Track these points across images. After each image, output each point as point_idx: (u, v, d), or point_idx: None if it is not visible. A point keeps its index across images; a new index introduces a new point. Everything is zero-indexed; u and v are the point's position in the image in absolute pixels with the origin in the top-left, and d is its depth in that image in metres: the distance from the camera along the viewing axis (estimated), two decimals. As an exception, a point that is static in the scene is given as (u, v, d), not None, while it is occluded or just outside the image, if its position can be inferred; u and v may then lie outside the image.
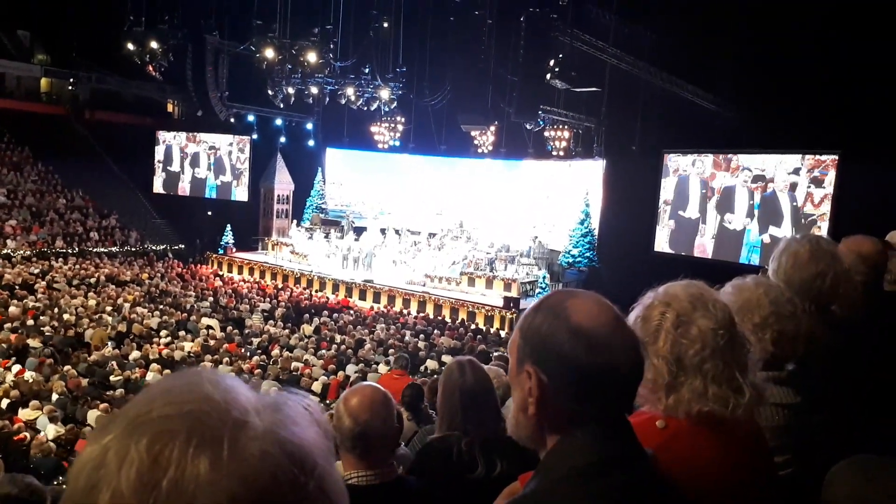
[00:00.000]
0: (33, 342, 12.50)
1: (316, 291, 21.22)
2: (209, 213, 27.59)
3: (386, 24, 19.88)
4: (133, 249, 25.05)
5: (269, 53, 17.91)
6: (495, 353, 9.90)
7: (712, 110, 17.89)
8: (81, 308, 15.74)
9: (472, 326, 17.59)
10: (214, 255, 25.15)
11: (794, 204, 16.76)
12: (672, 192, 19.08)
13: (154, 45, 19.13)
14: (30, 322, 13.94)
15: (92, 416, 9.06)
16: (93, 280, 19.43)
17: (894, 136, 13.85)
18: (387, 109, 21.25)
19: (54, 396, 9.72)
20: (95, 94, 30.22)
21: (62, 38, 28.42)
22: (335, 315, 17.48)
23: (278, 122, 26.70)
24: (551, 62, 15.85)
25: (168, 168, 29.08)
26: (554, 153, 21.39)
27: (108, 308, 16.04)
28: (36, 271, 19.50)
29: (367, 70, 19.95)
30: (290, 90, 20.07)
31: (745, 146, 17.76)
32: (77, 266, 20.92)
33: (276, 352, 13.41)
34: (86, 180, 27.14)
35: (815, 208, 16.43)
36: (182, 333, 14.50)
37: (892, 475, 1.42)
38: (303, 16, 18.43)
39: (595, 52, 16.48)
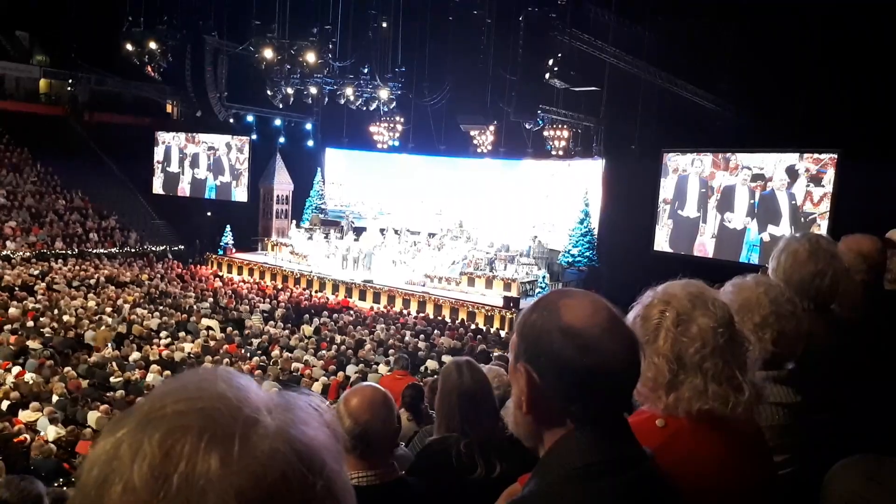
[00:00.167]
0: (33, 344, 12.50)
1: (316, 292, 21.23)
2: (209, 213, 27.59)
3: (385, 24, 19.89)
4: (133, 250, 25.04)
5: (268, 54, 17.92)
6: (495, 354, 9.91)
7: (711, 109, 17.89)
8: (81, 309, 15.74)
9: (472, 326, 17.59)
10: (214, 256, 25.16)
11: (794, 203, 16.77)
12: (672, 191, 19.08)
13: (153, 45, 19.15)
14: (30, 323, 13.94)
15: (92, 417, 9.06)
16: (92, 281, 19.43)
17: (893, 134, 13.86)
18: (386, 109, 21.25)
19: (54, 398, 9.72)
20: (94, 95, 30.23)
21: (61, 38, 28.43)
22: (335, 315, 17.48)
23: (277, 122, 26.69)
24: (550, 62, 15.85)
25: (167, 169, 29.08)
26: (553, 153, 21.39)
27: (108, 309, 16.03)
28: (36, 272, 19.49)
29: (366, 70, 19.96)
30: (289, 90, 20.06)
31: (745, 145, 17.76)
32: (77, 267, 20.91)
33: (276, 352, 13.40)
34: (85, 181, 27.13)
35: (815, 207, 16.43)
36: (182, 334, 14.51)
37: (891, 474, 1.42)
38: (301, 16, 18.43)
39: (594, 51, 16.48)
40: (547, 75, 15.92)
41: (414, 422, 4.50)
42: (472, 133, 21.61)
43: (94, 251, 23.82)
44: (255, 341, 14.50)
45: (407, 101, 21.73)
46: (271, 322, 16.64)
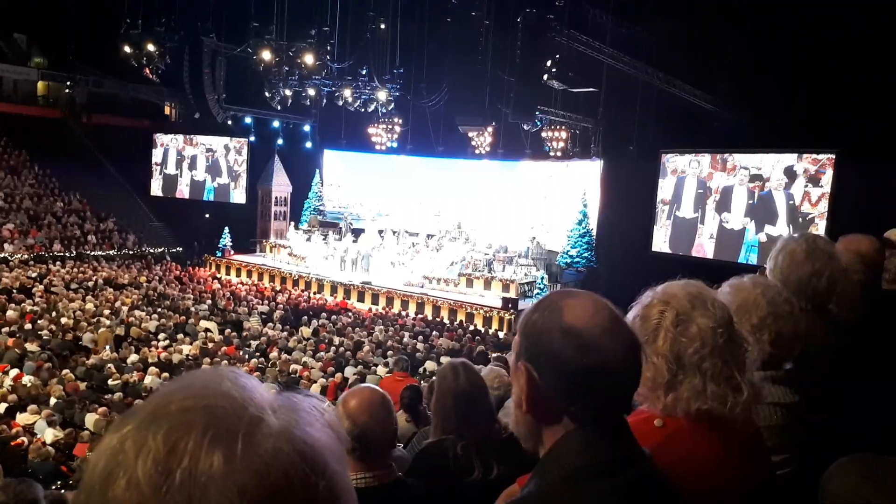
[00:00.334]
0: (31, 346, 12.47)
1: (314, 293, 21.22)
2: (207, 215, 27.57)
3: (383, 26, 19.91)
4: (131, 252, 25.01)
5: (266, 55, 17.93)
6: (493, 355, 9.91)
7: (709, 110, 17.92)
8: (79, 312, 15.71)
9: (471, 327, 17.59)
10: (212, 258, 25.13)
11: (792, 203, 16.79)
12: (670, 192, 19.11)
13: (151, 47, 19.16)
14: (28, 326, 13.92)
15: (90, 420, 9.04)
16: (91, 283, 19.40)
17: (891, 134, 13.89)
18: (384, 111, 21.26)
19: (52, 400, 9.70)
20: (92, 97, 30.18)
21: (59, 41, 28.39)
22: (333, 317, 17.48)
23: (276, 124, 26.70)
24: (548, 63, 15.88)
25: (165, 171, 29.06)
26: (551, 154, 21.40)
27: (107, 311, 16.01)
28: (34, 275, 19.46)
29: (364, 71, 19.97)
30: (288, 92, 20.08)
31: (743, 146, 17.79)
32: (75, 269, 20.88)
33: (274, 354, 13.39)
34: (83, 183, 27.10)
35: (813, 207, 16.46)
36: (180, 336, 14.49)
37: (889, 474, 1.42)
38: (299, 18, 18.45)
39: (592, 52, 16.51)
40: (545, 76, 15.95)
41: (412, 423, 4.50)
42: (470, 134, 21.63)
43: (93, 253, 23.79)
44: (254, 343, 14.49)
45: (405, 102, 21.76)
46: (270, 324, 16.63)
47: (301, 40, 18.05)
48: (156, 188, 29.12)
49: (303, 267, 22.97)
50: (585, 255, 20.80)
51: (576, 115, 20.23)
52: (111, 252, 24.49)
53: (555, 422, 1.13)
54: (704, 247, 18.45)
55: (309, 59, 17.95)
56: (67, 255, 22.94)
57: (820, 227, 15.85)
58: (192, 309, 17.18)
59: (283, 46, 17.94)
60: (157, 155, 29.04)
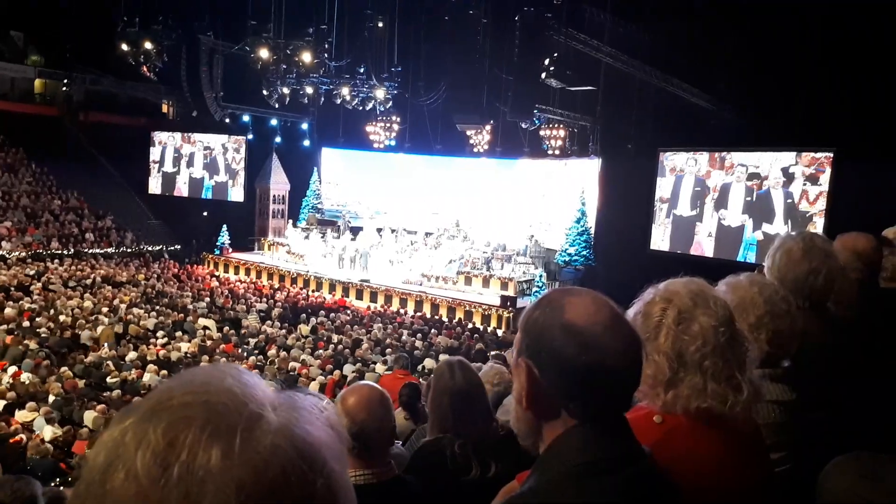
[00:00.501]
0: (30, 343, 12.46)
1: (312, 291, 21.21)
2: (205, 213, 27.54)
3: (381, 24, 19.87)
4: (129, 250, 24.98)
5: (264, 53, 17.89)
6: (492, 353, 9.91)
7: (707, 108, 17.94)
8: (78, 309, 15.70)
9: (470, 325, 17.60)
10: (210, 256, 25.10)
11: (789, 201, 16.82)
12: (668, 190, 19.13)
13: (148, 45, 19.10)
14: (26, 324, 13.90)
15: (89, 417, 9.04)
16: (89, 281, 19.37)
17: (890, 133, 13.90)
18: (382, 109, 21.23)
19: (51, 398, 9.70)
20: (90, 95, 30.11)
21: (56, 39, 28.32)
22: (332, 315, 17.47)
23: (273, 122, 26.66)
24: (546, 61, 15.87)
25: (164, 169, 29.02)
26: (550, 152, 21.40)
27: (105, 309, 15.99)
28: (31, 273, 19.43)
29: (362, 70, 19.93)
30: (286, 90, 20.04)
31: (741, 144, 17.81)
32: (73, 267, 20.85)
33: (272, 352, 13.39)
34: (81, 181, 27.07)
35: (811, 205, 16.49)
36: (179, 334, 14.48)
37: (886, 472, 1.43)
38: (297, 16, 18.41)
39: (590, 51, 16.50)
40: (543, 75, 15.94)
41: (411, 420, 4.50)
42: (468, 133, 21.63)
43: (91, 251, 23.76)
44: (252, 341, 14.48)
45: (403, 100, 21.74)
46: (268, 322, 16.62)
47: (299, 38, 18.02)
48: (154, 186, 29.09)
49: (301, 265, 22.96)
50: (584, 253, 20.82)
51: (574, 114, 20.23)
52: (109, 250, 24.46)
53: (555, 418, 1.14)
54: (703, 245, 18.47)
55: (307, 57, 17.92)
56: (65, 252, 22.91)
57: (818, 226, 15.88)
58: (191, 307, 17.16)
59: (280, 44, 17.91)
60: (154, 153, 29.01)
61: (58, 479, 6.88)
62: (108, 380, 11.06)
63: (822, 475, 1.51)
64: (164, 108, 32.36)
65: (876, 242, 2.90)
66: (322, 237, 24.13)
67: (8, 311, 14.69)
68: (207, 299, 18.41)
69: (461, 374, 2.60)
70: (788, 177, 16.86)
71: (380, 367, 12.02)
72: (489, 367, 4.37)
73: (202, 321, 15.91)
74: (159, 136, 29.12)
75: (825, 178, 16.23)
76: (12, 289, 17.30)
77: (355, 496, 0.65)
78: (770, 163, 17.22)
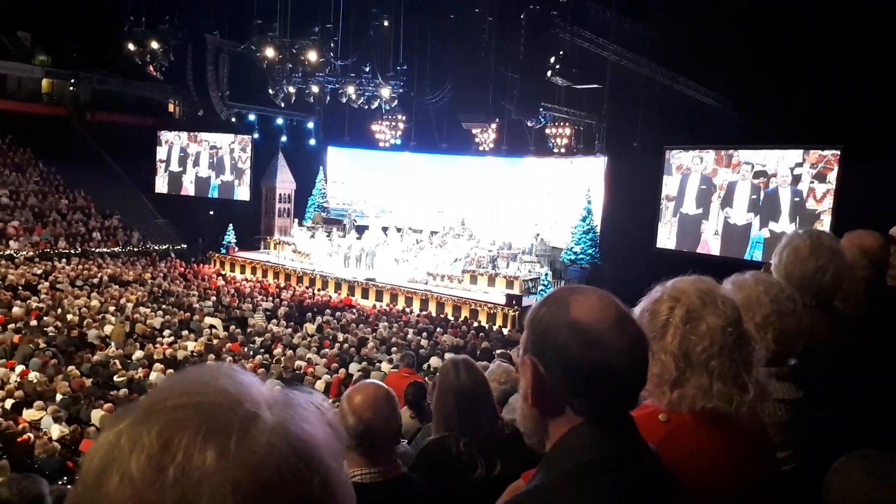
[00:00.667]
0: (39, 342, 12.53)
1: (318, 290, 21.25)
2: (211, 212, 27.63)
3: (386, 23, 19.89)
4: (135, 249, 25.09)
5: (270, 52, 17.93)
6: (497, 352, 9.91)
7: (714, 106, 17.87)
8: (85, 308, 15.77)
9: (475, 324, 17.60)
10: (217, 255, 25.19)
11: (796, 199, 16.75)
12: (675, 188, 19.08)
13: (155, 45, 19.18)
14: (33, 322, 13.98)
15: (96, 416, 9.09)
16: (96, 280, 19.47)
17: (896, 131, 13.83)
18: (388, 108, 21.25)
19: (58, 397, 9.75)
20: (97, 95, 30.25)
21: (63, 38, 28.44)
22: (338, 314, 17.50)
23: (279, 121, 26.71)
24: (552, 59, 15.85)
25: (170, 168, 29.12)
26: (555, 150, 21.37)
27: (112, 308, 16.07)
28: (39, 272, 19.54)
29: (367, 68, 19.95)
30: (291, 89, 20.08)
31: (747, 142, 17.73)
32: (80, 266, 20.95)
33: (278, 351, 13.42)
34: (87, 181, 27.18)
35: (818, 203, 16.41)
36: (185, 333, 14.53)
37: (893, 470, 1.42)
38: (303, 15, 18.44)
39: (596, 48, 16.46)
40: (548, 73, 15.93)
41: (416, 419, 4.51)
42: (473, 131, 21.62)
43: (97, 250, 23.86)
44: (258, 340, 14.52)
45: (409, 99, 21.74)
46: (274, 320, 16.67)
47: (304, 37, 18.05)
48: (161, 185, 29.19)
49: (307, 264, 23.00)
50: (589, 251, 20.79)
51: (579, 112, 20.20)
52: (116, 249, 24.57)
53: (560, 416, 1.14)
54: (709, 243, 18.41)
55: (312, 56, 17.95)
56: (72, 252, 23.01)
57: (825, 224, 15.80)
58: (197, 306, 17.23)
59: (286, 43, 17.94)
60: (161, 152, 29.10)
61: (65, 478, 6.91)
62: (115, 378, 11.11)
63: (829, 474, 1.50)
64: (171, 108, 32.47)
65: (883, 240, 2.88)
66: (328, 236, 24.17)
67: (16, 309, 14.78)
68: (214, 298, 18.47)
69: (466, 373, 2.60)
70: (795, 175, 16.78)
71: (385, 366, 12.04)
72: (496, 365, 4.38)
73: (209, 320, 15.97)
74: (166, 136, 29.22)
75: (832, 177, 16.14)
76: (20, 288, 17.40)
77: (354, 493, 0.65)
78: (777, 161, 17.15)
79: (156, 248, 25.82)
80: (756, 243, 17.40)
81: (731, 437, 1.39)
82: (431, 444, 2.58)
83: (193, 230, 26.79)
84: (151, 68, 19.98)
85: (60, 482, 6.44)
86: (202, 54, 21.43)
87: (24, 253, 21.73)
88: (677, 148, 19.03)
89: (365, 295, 20.80)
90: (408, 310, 19.21)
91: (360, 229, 24.32)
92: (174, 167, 29.04)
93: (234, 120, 24.17)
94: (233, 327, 15.46)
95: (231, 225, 25.62)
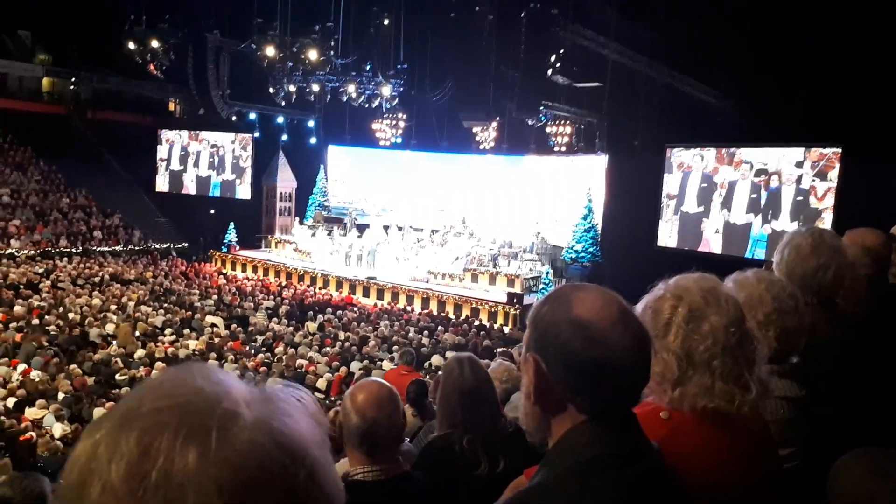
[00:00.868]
0: (42, 340, 12.55)
1: (319, 289, 21.25)
2: (212, 211, 27.64)
3: (387, 21, 19.87)
4: (136, 248, 25.10)
5: (270, 51, 17.91)
6: (499, 350, 9.91)
7: (714, 104, 17.85)
8: (86, 307, 15.79)
9: (476, 322, 17.61)
10: (218, 254, 25.20)
11: (798, 198, 16.74)
12: (676, 186, 19.07)
13: (155, 43, 19.17)
14: (35, 321, 13.99)
15: (98, 414, 9.10)
16: (97, 279, 19.49)
17: (898, 129, 13.81)
18: (388, 106, 21.23)
19: (60, 395, 9.76)
20: (97, 94, 30.24)
21: (63, 37, 28.43)
22: (339, 312, 17.51)
23: (280, 119, 26.70)
24: (552, 58, 15.83)
25: (171, 167, 29.13)
26: (556, 149, 21.36)
27: (113, 307, 16.08)
28: (40, 271, 19.56)
29: (368, 67, 19.93)
30: (292, 88, 20.07)
31: (748, 140, 17.71)
32: (81, 265, 20.97)
33: (280, 349, 13.44)
34: (88, 180, 27.20)
35: (819, 202, 16.39)
36: (187, 331, 14.55)
37: (896, 467, 1.43)
38: (303, 13, 18.42)
39: (596, 47, 16.43)
40: (549, 71, 15.91)
41: (418, 417, 4.51)
42: (474, 129, 21.61)
43: (99, 249, 23.88)
44: (260, 338, 14.54)
45: (409, 97, 21.72)
46: (275, 319, 16.68)
47: (305, 36, 18.03)
48: (162, 184, 29.19)
49: (308, 262, 23.01)
50: (590, 249, 20.78)
51: (580, 110, 20.18)
52: (117, 248, 24.58)
53: (562, 413, 1.14)
54: (710, 241, 18.40)
55: (313, 54, 17.93)
56: (74, 250, 23.03)
57: (826, 222, 15.79)
58: (199, 304, 17.24)
59: (286, 42, 17.92)
60: (162, 151, 29.10)
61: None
62: (117, 377, 11.12)
63: (832, 471, 1.51)
64: (171, 107, 32.45)
65: (885, 238, 2.88)
66: (328, 234, 24.17)
67: (17, 308, 14.80)
68: (215, 297, 18.48)
69: (470, 371, 2.61)
70: (796, 173, 16.77)
71: (387, 364, 12.06)
72: (497, 364, 4.38)
73: (210, 319, 15.98)
74: (166, 134, 29.23)
75: (833, 175, 16.13)
76: (21, 286, 17.42)
77: (341, 482, 0.64)
78: (778, 159, 17.13)
79: (157, 246, 25.83)
80: (757, 241, 17.39)
81: (733, 434, 1.39)
82: (435, 441, 2.59)
83: (194, 229, 26.80)
84: (152, 67, 19.97)
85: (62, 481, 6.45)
86: (203, 53, 21.42)
87: (26, 252, 21.75)
88: (678, 146, 19.01)
89: (366, 293, 20.81)
90: (409, 308, 19.21)
91: (361, 228, 24.33)
92: (175, 166, 29.04)
93: (234, 119, 24.17)
94: (234, 326, 15.48)
95: (232, 224, 25.62)
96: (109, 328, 14.09)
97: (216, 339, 13.98)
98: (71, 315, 14.82)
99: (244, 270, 24.01)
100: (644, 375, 1.15)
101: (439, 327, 16.45)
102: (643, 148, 18.83)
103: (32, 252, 21.93)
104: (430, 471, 2.35)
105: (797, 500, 1.72)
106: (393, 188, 26.53)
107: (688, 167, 18.91)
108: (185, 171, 28.92)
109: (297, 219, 26.19)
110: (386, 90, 19.99)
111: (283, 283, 21.96)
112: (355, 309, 18.42)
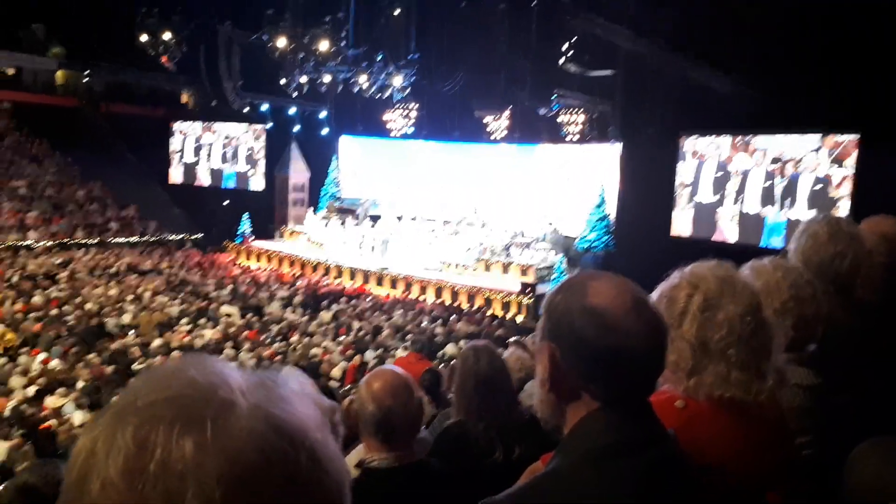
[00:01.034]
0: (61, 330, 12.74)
1: (333, 279, 21.34)
2: (226, 202, 27.78)
3: (398, 11, 19.79)
4: (152, 239, 25.32)
5: (282, 42, 17.93)
6: (511, 339, 9.92)
7: (728, 92, 17.64)
8: (103, 297, 15.97)
9: (489, 312, 17.60)
10: (232, 245, 25.34)
11: (814, 186, 16.54)
12: (690, 175, 18.91)
13: (167, 36, 19.24)
14: (53, 311, 14.18)
15: (116, 403, 9.22)
16: (113, 270, 19.69)
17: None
18: (400, 96, 21.19)
19: (80, 384, 9.90)
20: (110, 86, 30.45)
21: (76, 30, 28.60)
22: (353, 302, 17.58)
23: (292, 111, 26.71)
24: (564, 46, 15.72)
25: (184, 159, 29.30)
26: (568, 138, 21.23)
27: (130, 297, 16.25)
28: (58, 262, 19.80)
29: (379, 57, 19.88)
30: (303, 79, 20.07)
31: (763, 128, 17.51)
32: (98, 256, 21.20)
33: (295, 338, 13.53)
34: (103, 172, 27.42)
35: (836, 189, 16.20)
36: (202, 321, 14.68)
37: (913, 455, 1.42)
38: (314, 4, 18.40)
39: (608, 35, 16.29)
40: (561, 60, 15.80)
41: (433, 405, 4.54)
42: (486, 119, 21.53)
43: (114, 240, 24.11)
44: (275, 328, 14.63)
45: (421, 87, 21.64)
46: (290, 309, 16.78)
47: (316, 27, 18.01)
48: (176, 176, 29.38)
49: (321, 253, 23.08)
50: (603, 239, 20.67)
51: (593, 99, 20.02)
52: (132, 239, 24.81)
53: (577, 401, 1.15)
54: (725, 230, 18.25)
55: (324, 45, 17.91)
56: (90, 242, 23.27)
57: (843, 210, 15.61)
58: (214, 294, 17.38)
59: (298, 33, 17.92)
60: (175, 143, 29.26)
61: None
62: (134, 366, 11.26)
63: (849, 460, 1.50)
64: (184, 99, 32.59)
65: (903, 226, 2.85)
66: (341, 225, 24.22)
67: (36, 299, 15.00)
68: (230, 287, 18.61)
69: (486, 359, 2.62)
70: (813, 161, 16.57)
71: (401, 353, 12.09)
72: (510, 353, 4.39)
73: (225, 308, 16.09)
74: (180, 126, 29.36)
75: (850, 162, 15.91)
76: (40, 277, 17.64)
77: (344, 461, 0.65)
78: (794, 146, 16.93)
79: (172, 237, 26.03)
80: (772, 230, 17.23)
81: (749, 423, 1.38)
82: (451, 428, 2.61)
83: (208, 220, 26.97)
84: (164, 59, 20.06)
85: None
86: (214, 45, 21.48)
87: (43, 243, 22.01)
88: (692, 134, 18.83)
89: (379, 284, 20.85)
90: (422, 298, 19.24)
91: (374, 218, 24.34)
92: (188, 158, 29.20)
93: (246, 110, 24.23)
94: (249, 315, 15.59)
95: (246, 215, 25.75)
96: (126, 318, 14.25)
97: (231, 329, 14.10)
98: (88, 305, 15.00)
99: (258, 261, 24.14)
100: (659, 364, 1.15)
101: (453, 317, 16.47)
102: (657, 136, 18.67)
103: (49, 243, 22.19)
104: (446, 457, 2.37)
105: (813, 489, 1.72)
106: (405, 178, 26.49)
107: (702, 155, 18.74)
108: (198, 162, 29.08)
109: (311, 209, 26.26)
110: (397, 80, 19.93)
111: (297, 274, 22.07)
112: (369, 299, 18.48)
